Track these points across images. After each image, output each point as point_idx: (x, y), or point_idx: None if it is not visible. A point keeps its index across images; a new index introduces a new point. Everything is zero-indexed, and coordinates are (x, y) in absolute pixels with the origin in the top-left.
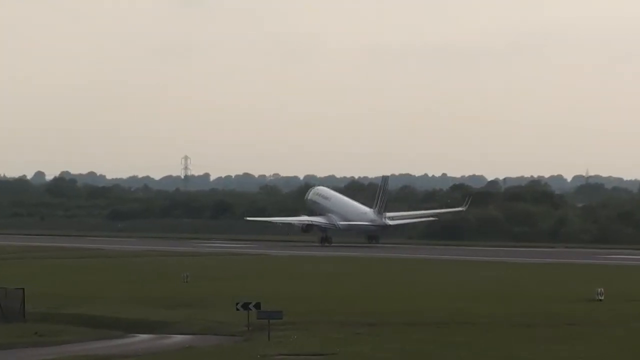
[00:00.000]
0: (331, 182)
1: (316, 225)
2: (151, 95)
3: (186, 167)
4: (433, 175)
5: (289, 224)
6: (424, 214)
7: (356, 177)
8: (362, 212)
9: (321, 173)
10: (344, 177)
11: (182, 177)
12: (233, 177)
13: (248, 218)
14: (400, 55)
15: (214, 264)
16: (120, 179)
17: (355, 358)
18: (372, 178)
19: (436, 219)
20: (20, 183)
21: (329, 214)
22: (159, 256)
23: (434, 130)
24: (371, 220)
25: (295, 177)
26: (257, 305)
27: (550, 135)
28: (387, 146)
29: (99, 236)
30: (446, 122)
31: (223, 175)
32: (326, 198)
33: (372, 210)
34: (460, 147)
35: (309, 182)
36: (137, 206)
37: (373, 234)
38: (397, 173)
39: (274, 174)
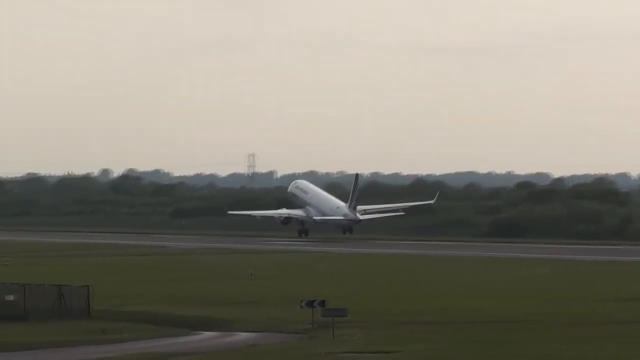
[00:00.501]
0: (396, 179)
1: (294, 218)
2: (217, 92)
3: (252, 164)
4: (498, 173)
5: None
6: (393, 207)
7: (421, 174)
8: (336, 206)
9: (387, 170)
10: (410, 175)
11: (248, 174)
12: (299, 174)
13: (230, 212)
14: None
15: (278, 261)
16: (186, 177)
17: (420, 356)
18: (438, 175)
19: (404, 213)
20: (85, 180)
21: (307, 207)
22: (223, 254)
23: (500, 128)
24: (344, 215)
25: (361, 175)
26: (322, 303)
27: (616, 133)
28: (450, 145)
29: (163, 234)
30: (514, 119)
31: (288, 173)
32: (305, 192)
33: (345, 205)
34: (526, 144)
35: (375, 180)
36: (201, 204)
37: (347, 227)
38: (462, 171)
39: (339, 172)
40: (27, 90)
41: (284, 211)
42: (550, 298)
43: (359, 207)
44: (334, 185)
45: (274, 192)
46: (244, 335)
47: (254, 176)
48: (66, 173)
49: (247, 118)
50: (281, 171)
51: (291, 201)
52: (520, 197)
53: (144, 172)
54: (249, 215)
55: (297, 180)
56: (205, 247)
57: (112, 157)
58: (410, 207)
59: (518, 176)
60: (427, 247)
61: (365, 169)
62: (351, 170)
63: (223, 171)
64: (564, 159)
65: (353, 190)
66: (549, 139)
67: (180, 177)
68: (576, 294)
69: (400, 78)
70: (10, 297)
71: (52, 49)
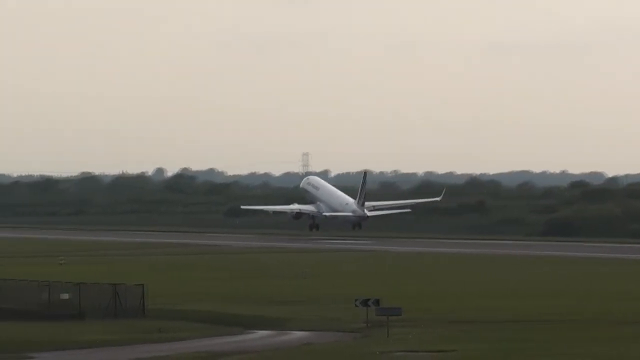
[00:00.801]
0: (450, 179)
1: (305, 213)
2: (271, 92)
3: (306, 163)
4: (552, 172)
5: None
6: (399, 204)
7: (475, 173)
8: (345, 202)
9: (440, 169)
10: (464, 174)
11: (302, 173)
12: (353, 173)
13: (243, 207)
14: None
15: (332, 260)
16: (240, 176)
17: (474, 355)
18: (491, 175)
19: (410, 210)
20: (140, 180)
21: (318, 203)
22: (277, 253)
23: (554, 127)
24: (353, 211)
25: (415, 174)
26: (376, 302)
27: None
28: (504, 144)
29: (217, 233)
30: (567, 118)
31: (343, 172)
32: (316, 188)
33: (354, 201)
34: (580, 143)
35: (429, 179)
36: (255, 203)
37: (356, 223)
38: (516, 170)
39: (394, 171)
40: (81, 91)
41: (295, 206)
42: (602, 296)
43: (368, 204)
44: (387, 184)
45: None
46: (298, 334)
47: (308, 175)
48: (120, 172)
49: (302, 117)
50: (335, 170)
51: (303, 197)
52: (574, 196)
53: (198, 171)
54: (262, 210)
55: (309, 177)
56: (259, 246)
57: (166, 156)
58: (417, 204)
59: (572, 175)
60: (481, 246)
61: (419, 169)
62: (405, 169)
63: (277, 170)
64: (618, 158)
65: (361, 188)
66: (603, 138)
67: (234, 176)
68: (629, 293)
69: (454, 78)
70: (66, 296)
71: (110, 50)
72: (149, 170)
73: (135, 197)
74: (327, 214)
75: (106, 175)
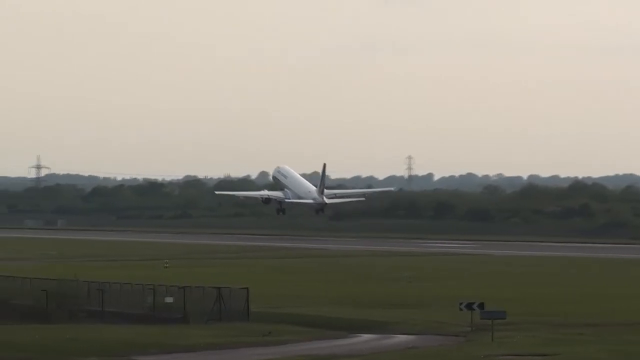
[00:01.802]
0: (555, 182)
1: (273, 198)
2: (375, 95)
3: (410, 167)
4: None
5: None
6: (357, 192)
7: (580, 177)
8: (308, 190)
9: (545, 172)
10: (568, 177)
11: (406, 177)
12: (457, 176)
13: (217, 192)
14: None
15: (435, 264)
16: (344, 179)
17: (578, 359)
18: (596, 178)
19: (364, 199)
20: (244, 183)
21: (286, 190)
22: (380, 256)
23: None
24: (314, 198)
25: (519, 177)
26: (481, 305)
27: None
28: (608, 147)
29: (320, 236)
30: None
31: (447, 175)
32: (285, 176)
33: (316, 189)
34: None
35: (532, 183)
36: (359, 206)
37: (318, 208)
38: (620, 173)
39: (498, 174)
40: (184, 96)
41: (265, 192)
42: None
43: (328, 192)
44: (491, 187)
45: (432, 194)
46: (402, 338)
47: (411, 178)
48: (224, 176)
49: (405, 120)
50: (439, 174)
51: (274, 184)
52: None
53: (303, 175)
54: (234, 195)
55: (279, 166)
56: (363, 249)
57: (270, 159)
58: (373, 193)
59: None
60: (585, 249)
61: (523, 172)
62: (508, 172)
63: (381, 174)
64: None
65: (322, 178)
66: None
67: (338, 179)
68: None
69: (554, 83)
70: (170, 300)
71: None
72: (253, 173)
73: (240, 200)
74: (290, 200)
75: (210, 179)
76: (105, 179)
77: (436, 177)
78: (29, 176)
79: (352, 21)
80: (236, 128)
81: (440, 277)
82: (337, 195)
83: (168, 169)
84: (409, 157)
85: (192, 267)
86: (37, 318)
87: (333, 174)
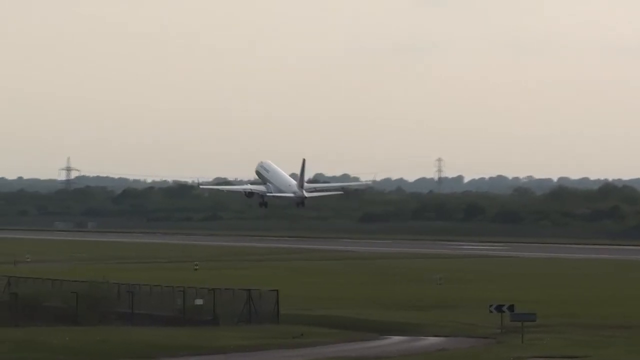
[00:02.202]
0: (585, 184)
1: (255, 192)
2: (405, 97)
3: (440, 169)
4: None
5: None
6: (332, 186)
7: (610, 179)
8: (288, 184)
9: (575, 175)
10: (598, 180)
11: (436, 179)
12: (487, 179)
13: (202, 186)
14: None
15: (465, 266)
16: (374, 181)
17: None
18: (626, 180)
19: (342, 192)
20: None
21: (268, 184)
22: (411, 258)
23: None
24: (294, 192)
25: (549, 179)
26: (511, 308)
27: None
28: (638, 149)
29: (350, 238)
30: None
31: (477, 177)
32: (267, 171)
33: (296, 184)
34: None
35: (562, 185)
36: (389, 208)
37: (298, 202)
38: None
39: (528, 176)
40: (214, 98)
41: (248, 187)
42: None
43: (308, 186)
44: (521, 189)
45: (462, 197)
46: (432, 340)
47: (441, 181)
48: (254, 178)
49: (436, 122)
50: (469, 176)
51: (257, 178)
52: None
53: (331, 177)
54: (218, 189)
55: (262, 161)
56: (393, 251)
57: (297, 161)
58: (349, 187)
59: None
60: (615, 251)
61: (553, 174)
62: (539, 175)
63: (411, 176)
64: None
65: (301, 173)
66: None
67: (368, 181)
68: None
69: (587, 83)
70: (200, 302)
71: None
72: None
73: (269, 202)
74: (271, 194)
75: (240, 180)
76: (135, 181)
77: (466, 179)
78: (59, 178)
79: (382, 22)
80: (265, 131)
81: (470, 279)
82: (317, 189)
83: (198, 171)
84: (439, 159)
85: (221, 269)
86: (67, 320)
87: (362, 175)
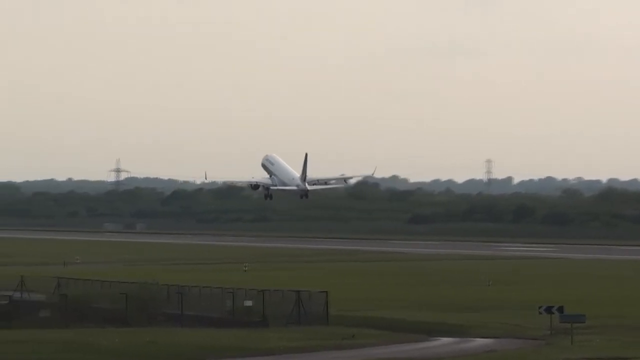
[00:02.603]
0: (635, 185)
1: (261, 184)
2: (453, 98)
3: (489, 170)
4: None
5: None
6: (333, 178)
7: None
8: (292, 177)
9: (624, 176)
10: None
11: (485, 180)
12: (536, 180)
13: (207, 180)
14: None
15: (515, 267)
16: (423, 183)
17: None
18: None
19: (345, 183)
20: None
21: (273, 177)
22: (460, 260)
23: None
24: (297, 185)
25: (598, 181)
26: (560, 309)
27: None
28: None
29: (400, 239)
30: None
31: (526, 179)
32: (272, 164)
33: (299, 177)
34: None
35: (612, 186)
36: (438, 210)
37: (302, 194)
38: None
39: (577, 178)
40: (264, 101)
41: (254, 179)
42: None
43: (310, 179)
44: (569, 191)
45: (511, 198)
46: (481, 341)
47: (491, 182)
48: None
49: (485, 124)
50: (518, 177)
51: (263, 171)
52: None
53: (380, 179)
54: (225, 183)
55: (268, 154)
56: (442, 253)
57: (349, 163)
58: (350, 178)
59: None
60: None
61: (602, 175)
62: (587, 176)
63: (460, 177)
64: None
65: (304, 167)
66: None
67: (417, 183)
68: None
69: (631, 87)
70: (249, 303)
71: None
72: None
73: (319, 203)
74: (274, 187)
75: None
76: (184, 182)
77: (515, 181)
78: (109, 179)
79: (429, 23)
80: (313, 132)
81: (519, 280)
82: (320, 181)
83: (245, 172)
84: (488, 161)
85: (270, 270)
86: (116, 321)
87: (412, 177)
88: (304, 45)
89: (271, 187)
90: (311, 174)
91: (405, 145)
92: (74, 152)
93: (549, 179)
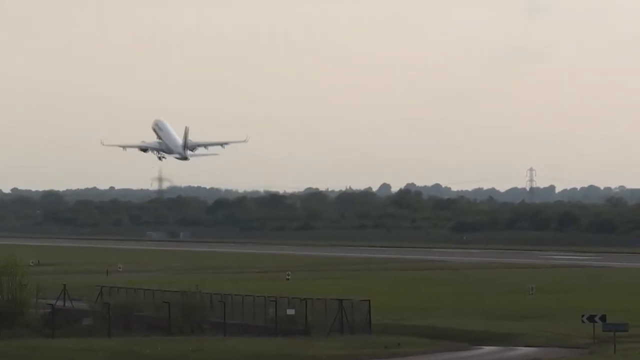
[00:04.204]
0: None
1: (149, 148)
2: (496, 106)
3: (531, 179)
4: None
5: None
6: (211, 142)
7: None
8: (176, 145)
9: None
10: None
11: (527, 189)
12: (578, 189)
13: (105, 144)
14: None
15: (559, 276)
16: (466, 191)
17: None
18: None
19: (223, 147)
20: (366, 195)
21: (161, 141)
22: (503, 268)
23: None
24: (179, 153)
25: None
26: (603, 318)
27: None
28: None
29: (444, 248)
30: None
31: (568, 187)
32: (160, 129)
33: (181, 144)
34: None
35: None
36: (482, 218)
37: (182, 159)
38: None
39: (620, 186)
40: (300, 106)
41: (144, 143)
42: None
43: (192, 142)
44: (612, 199)
45: (555, 206)
46: (524, 350)
47: (533, 191)
48: (346, 188)
49: (527, 132)
50: (560, 186)
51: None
52: None
53: (423, 187)
54: (119, 146)
55: (157, 119)
56: (486, 261)
57: (391, 171)
58: (227, 143)
59: None
60: None
61: None
62: (630, 185)
63: (502, 186)
64: None
65: (184, 137)
66: None
67: (459, 191)
68: None
69: None
70: (292, 312)
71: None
72: (374, 185)
73: (362, 212)
74: (163, 151)
75: (332, 191)
76: (227, 191)
77: (558, 189)
78: (151, 188)
79: (479, 30)
80: (356, 141)
81: (563, 289)
82: (200, 145)
83: (288, 181)
84: (531, 169)
85: (314, 279)
86: (160, 330)
87: (453, 185)
88: (360, 51)
89: (158, 150)
90: (193, 139)
91: (447, 153)
92: (115, 160)
93: (592, 188)
